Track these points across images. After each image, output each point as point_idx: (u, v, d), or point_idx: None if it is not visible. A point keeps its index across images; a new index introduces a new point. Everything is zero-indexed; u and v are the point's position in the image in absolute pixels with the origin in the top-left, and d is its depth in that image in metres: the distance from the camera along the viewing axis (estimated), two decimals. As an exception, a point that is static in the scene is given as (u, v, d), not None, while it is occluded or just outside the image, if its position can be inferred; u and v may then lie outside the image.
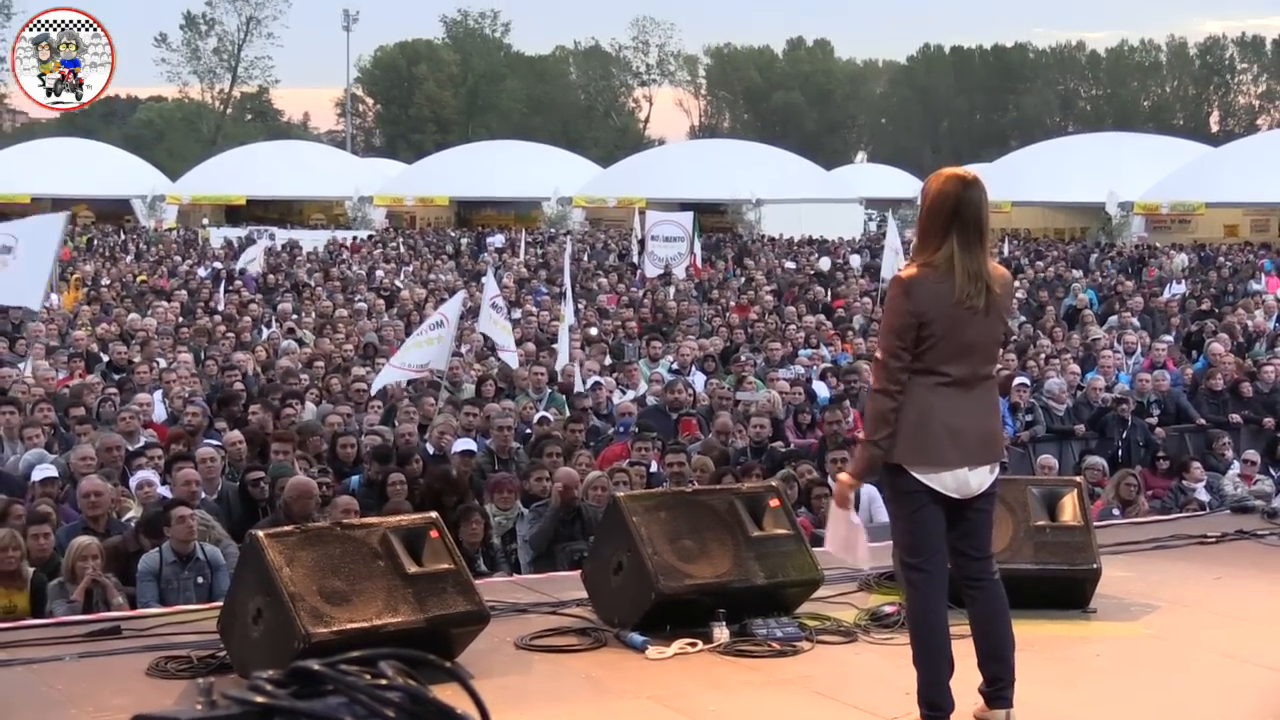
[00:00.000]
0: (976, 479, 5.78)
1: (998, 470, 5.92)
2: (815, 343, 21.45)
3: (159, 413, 15.34)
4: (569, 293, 21.66)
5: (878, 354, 5.81)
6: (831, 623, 7.50)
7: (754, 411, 14.79)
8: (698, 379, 18.12)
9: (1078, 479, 8.90)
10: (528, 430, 14.73)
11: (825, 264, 37.98)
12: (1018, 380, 16.84)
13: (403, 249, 46.36)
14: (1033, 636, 6.73)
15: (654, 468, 12.76)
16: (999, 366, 6.06)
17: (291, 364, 18.07)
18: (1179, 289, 30.88)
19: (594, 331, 21.98)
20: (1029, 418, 16.47)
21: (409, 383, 16.80)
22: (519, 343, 20.22)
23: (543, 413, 15.44)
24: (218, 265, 36.56)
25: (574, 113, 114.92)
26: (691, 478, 11.90)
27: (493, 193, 66.28)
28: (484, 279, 22.03)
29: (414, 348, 16.33)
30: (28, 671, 6.77)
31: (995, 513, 6.16)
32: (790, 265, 38.40)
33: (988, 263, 5.74)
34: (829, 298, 28.77)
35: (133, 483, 11.64)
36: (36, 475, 11.27)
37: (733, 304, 27.14)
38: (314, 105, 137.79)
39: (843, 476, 5.97)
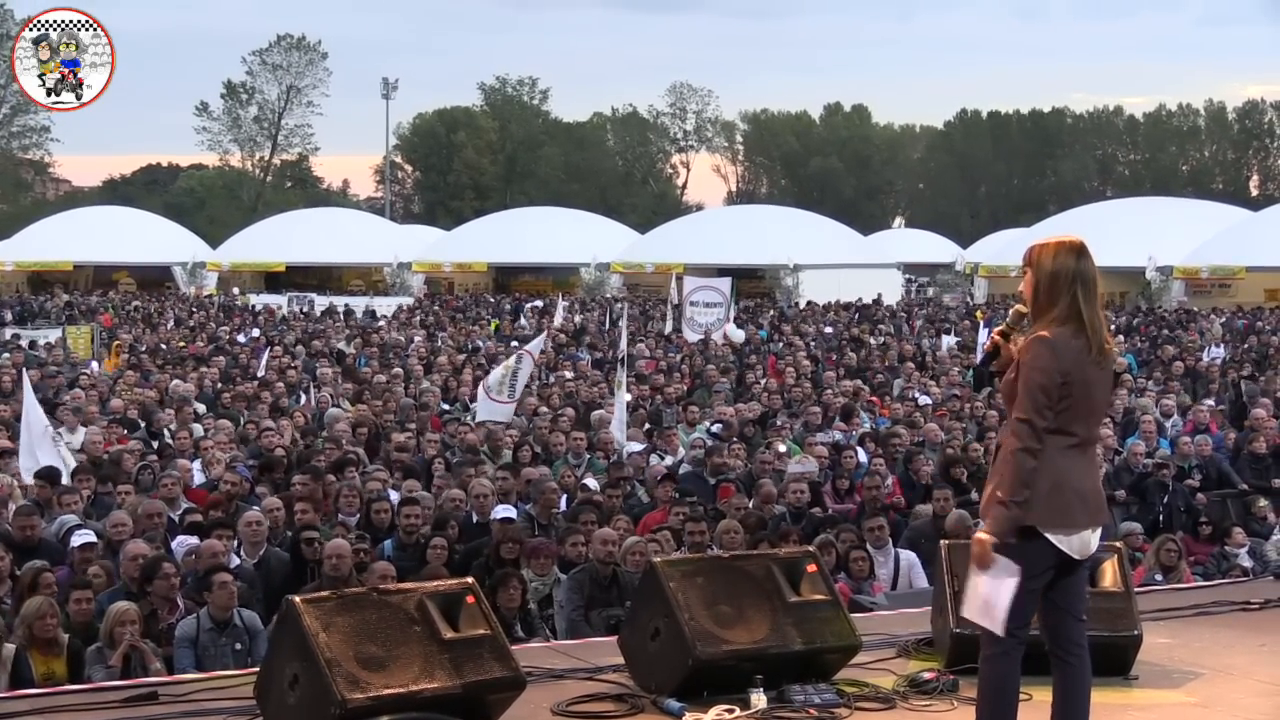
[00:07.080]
0: (1095, 539, 5.87)
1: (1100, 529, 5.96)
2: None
3: (197, 478, 15.36)
4: (624, 359, 21.34)
5: (1019, 415, 5.68)
6: (870, 689, 7.46)
7: (795, 478, 14.70)
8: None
9: (1118, 545, 8.82)
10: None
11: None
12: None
13: (440, 315, 46.31)
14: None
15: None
16: None
17: (343, 429, 18.11)
18: (1219, 352, 30.71)
19: (628, 397, 21.86)
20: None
21: (447, 450, 16.90)
22: (559, 408, 20.26)
23: (586, 480, 15.39)
24: (256, 332, 36.71)
25: (612, 179, 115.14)
26: (711, 545, 11.80)
27: (531, 258, 66.36)
28: (534, 341, 22.89)
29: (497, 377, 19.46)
30: (65, 736, 6.79)
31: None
32: (828, 330, 38.31)
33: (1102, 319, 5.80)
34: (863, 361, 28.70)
35: (176, 548, 11.66)
36: (75, 541, 11.29)
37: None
38: (353, 172, 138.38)
39: (981, 536, 5.73)
